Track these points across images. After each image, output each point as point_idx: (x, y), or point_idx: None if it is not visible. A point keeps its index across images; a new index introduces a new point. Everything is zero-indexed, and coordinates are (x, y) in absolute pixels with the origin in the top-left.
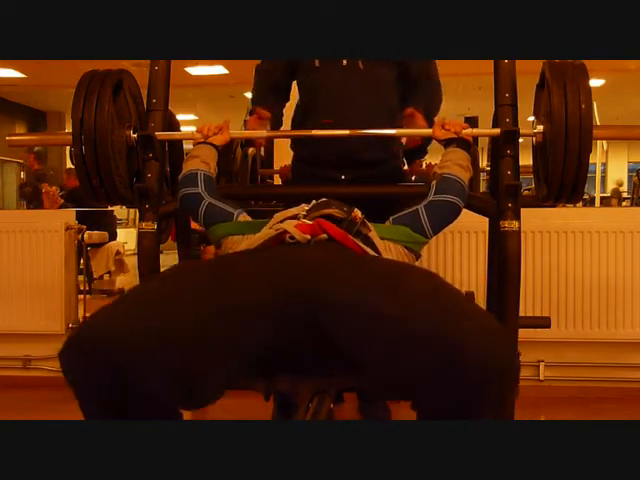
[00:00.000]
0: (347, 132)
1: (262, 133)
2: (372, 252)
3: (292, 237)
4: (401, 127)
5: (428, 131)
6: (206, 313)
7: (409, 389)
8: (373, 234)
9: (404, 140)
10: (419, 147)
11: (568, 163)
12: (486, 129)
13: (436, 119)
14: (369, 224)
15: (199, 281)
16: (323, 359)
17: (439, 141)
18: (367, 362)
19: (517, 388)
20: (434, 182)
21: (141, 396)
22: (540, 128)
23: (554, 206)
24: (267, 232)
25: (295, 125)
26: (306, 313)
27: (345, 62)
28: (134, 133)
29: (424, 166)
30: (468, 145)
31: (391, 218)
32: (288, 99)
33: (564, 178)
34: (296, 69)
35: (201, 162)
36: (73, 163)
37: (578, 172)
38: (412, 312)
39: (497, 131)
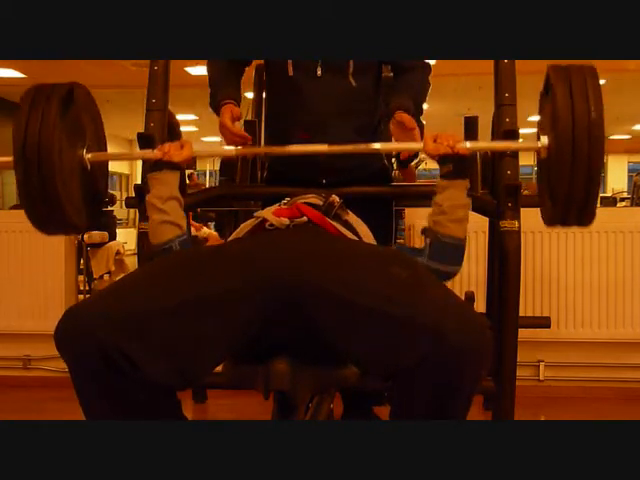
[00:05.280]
0: (325, 147)
1: (231, 152)
2: (351, 235)
3: (271, 224)
4: (383, 130)
5: (418, 146)
6: (189, 297)
7: (391, 374)
8: (352, 217)
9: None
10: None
11: (576, 177)
12: (481, 143)
13: (427, 135)
14: (347, 210)
15: (180, 268)
16: (307, 341)
17: (432, 157)
18: (348, 348)
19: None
20: (428, 241)
21: (128, 374)
22: (545, 141)
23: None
24: (248, 222)
25: (269, 136)
26: (279, 297)
27: (319, 72)
28: (88, 153)
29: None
30: (465, 164)
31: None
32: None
33: (572, 194)
34: (267, 80)
35: (169, 224)
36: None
37: (588, 187)
38: (392, 300)
39: (497, 144)
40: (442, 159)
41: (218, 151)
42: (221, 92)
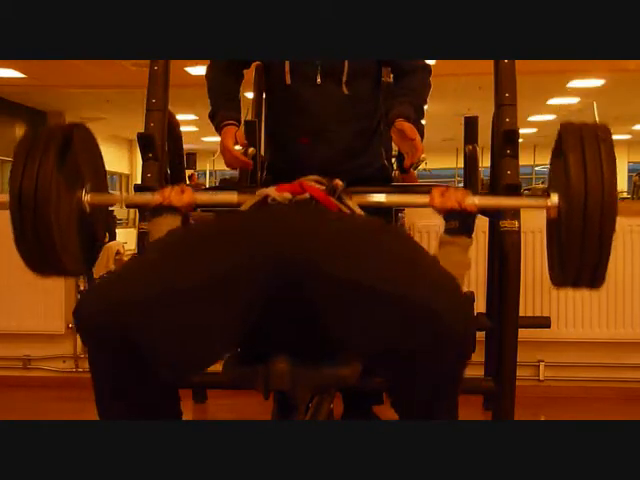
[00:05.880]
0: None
1: (233, 198)
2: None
3: (274, 200)
4: (382, 131)
5: (425, 200)
6: (197, 277)
7: (384, 354)
8: (354, 204)
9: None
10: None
11: (588, 243)
12: (490, 198)
13: (435, 189)
14: (351, 195)
15: (188, 249)
16: (306, 332)
17: (438, 212)
18: (346, 332)
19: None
20: None
21: (147, 361)
22: (555, 199)
23: None
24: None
25: (269, 137)
26: (281, 274)
27: (319, 80)
28: (87, 194)
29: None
30: (472, 221)
31: None
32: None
33: (583, 260)
34: (265, 86)
35: None
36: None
37: (600, 253)
38: (391, 281)
39: (505, 201)
40: (448, 215)
41: (220, 197)
42: (222, 110)
